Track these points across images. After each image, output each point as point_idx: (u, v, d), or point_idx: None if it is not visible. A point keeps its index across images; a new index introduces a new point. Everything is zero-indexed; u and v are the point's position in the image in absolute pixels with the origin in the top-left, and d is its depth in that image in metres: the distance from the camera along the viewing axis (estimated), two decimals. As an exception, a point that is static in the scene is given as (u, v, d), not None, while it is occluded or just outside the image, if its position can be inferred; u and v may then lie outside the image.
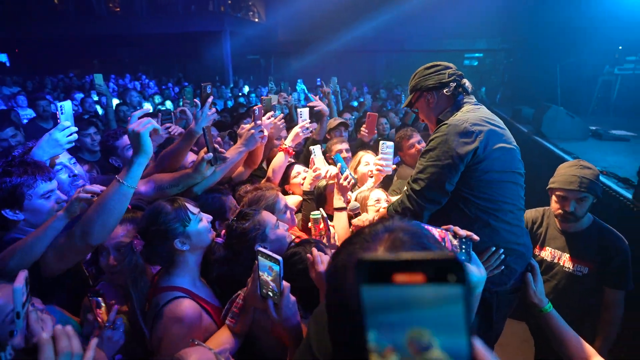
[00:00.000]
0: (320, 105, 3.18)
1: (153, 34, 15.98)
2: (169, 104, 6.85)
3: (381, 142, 2.30)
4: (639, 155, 3.14)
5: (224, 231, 1.64)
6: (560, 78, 6.91)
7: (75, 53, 16.93)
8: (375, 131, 3.25)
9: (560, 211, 2.03)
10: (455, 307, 0.36)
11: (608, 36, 7.48)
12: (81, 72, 14.03)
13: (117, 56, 18.10)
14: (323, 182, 2.34)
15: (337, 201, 2.09)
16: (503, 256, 1.57)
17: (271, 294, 1.17)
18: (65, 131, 1.68)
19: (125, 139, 2.44)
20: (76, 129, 1.72)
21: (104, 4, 16.09)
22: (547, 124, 5.22)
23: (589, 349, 1.34)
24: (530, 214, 2.25)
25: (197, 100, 2.09)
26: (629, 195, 2.76)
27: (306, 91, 6.39)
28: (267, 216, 1.61)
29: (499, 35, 14.05)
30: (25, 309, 0.96)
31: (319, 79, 6.23)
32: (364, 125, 3.17)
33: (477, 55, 16.19)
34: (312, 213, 1.92)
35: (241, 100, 7.70)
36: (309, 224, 1.92)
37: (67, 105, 1.73)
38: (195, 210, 1.49)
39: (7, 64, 14.10)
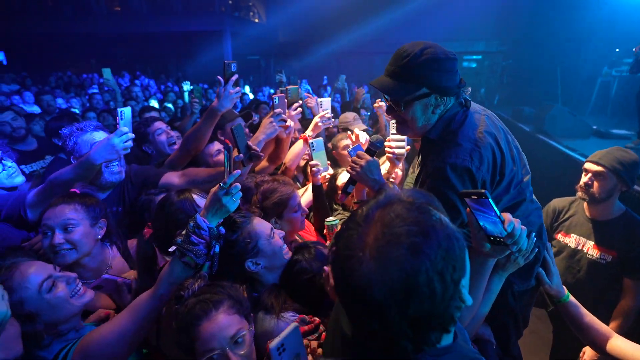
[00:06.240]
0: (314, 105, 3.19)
1: (152, 32, 15.92)
2: (153, 103, 6.62)
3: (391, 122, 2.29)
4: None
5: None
6: (560, 78, 7.02)
7: (73, 51, 16.79)
8: None
9: (581, 183, 2.01)
10: None
11: (606, 39, 7.67)
12: (78, 70, 13.86)
13: (113, 55, 17.96)
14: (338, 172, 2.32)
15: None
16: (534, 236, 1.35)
17: None
18: (123, 137, 1.65)
19: (156, 124, 2.45)
20: (133, 135, 1.69)
21: (104, 3, 15.99)
22: (549, 122, 5.31)
23: (608, 331, 1.34)
24: (557, 202, 2.26)
25: (220, 77, 2.02)
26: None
27: (311, 91, 6.49)
28: (259, 226, 1.39)
29: (497, 38, 14.22)
30: None
31: (325, 77, 6.26)
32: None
33: (475, 57, 16.33)
34: (327, 220, 1.81)
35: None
36: (325, 231, 1.82)
37: (127, 112, 1.69)
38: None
39: (4, 62, 13.93)
